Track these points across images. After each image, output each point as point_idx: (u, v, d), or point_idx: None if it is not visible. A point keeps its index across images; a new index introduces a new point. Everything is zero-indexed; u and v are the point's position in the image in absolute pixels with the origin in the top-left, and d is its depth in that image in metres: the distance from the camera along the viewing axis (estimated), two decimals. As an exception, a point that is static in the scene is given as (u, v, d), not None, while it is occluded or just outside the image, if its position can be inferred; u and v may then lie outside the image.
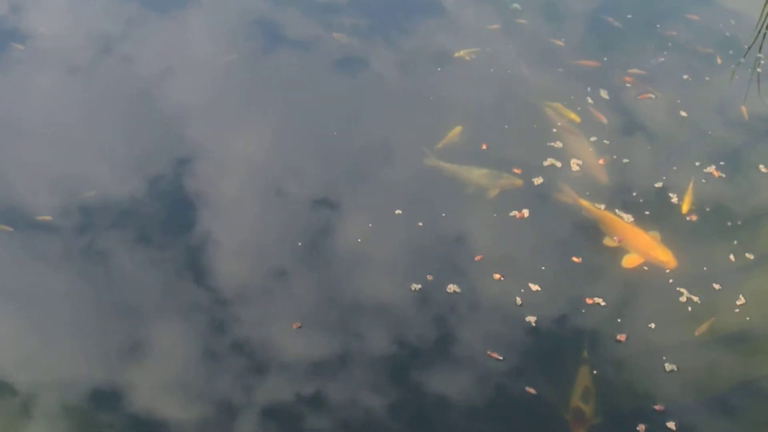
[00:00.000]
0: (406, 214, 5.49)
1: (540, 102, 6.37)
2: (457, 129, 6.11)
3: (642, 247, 5.34)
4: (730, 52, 7.06)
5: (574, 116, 6.27)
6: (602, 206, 5.62)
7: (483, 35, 7.03)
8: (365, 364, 4.74)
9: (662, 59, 6.92)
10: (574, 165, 5.89)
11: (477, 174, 5.77)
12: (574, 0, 7.54)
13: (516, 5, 7.36)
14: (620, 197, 5.72)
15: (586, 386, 4.64)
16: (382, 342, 4.84)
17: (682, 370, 4.77)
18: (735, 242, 5.47)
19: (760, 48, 7.07)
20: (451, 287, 5.09)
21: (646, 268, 5.28)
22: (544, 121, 6.25)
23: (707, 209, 5.66)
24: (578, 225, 5.55)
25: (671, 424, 4.54)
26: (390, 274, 5.19)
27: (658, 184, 5.81)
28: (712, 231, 5.57)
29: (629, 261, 5.30)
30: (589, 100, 6.43)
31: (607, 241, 5.41)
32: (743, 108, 6.51)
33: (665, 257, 5.26)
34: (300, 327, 4.87)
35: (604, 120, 6.24)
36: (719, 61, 6.93)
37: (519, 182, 5.72)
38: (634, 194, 5.73)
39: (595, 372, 4.72)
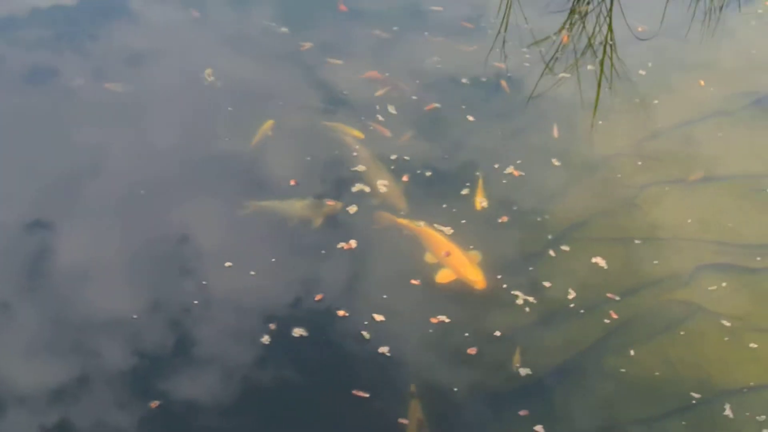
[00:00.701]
0: (237, 265, 5.36)
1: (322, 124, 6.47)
2: (269, 122, 6.26)
3: (456, 264, 5.47)
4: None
5: (357, 133, 6.36)
6: (421, 223, 5.75)
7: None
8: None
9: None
10: (381, 187, 5.99)
11: (299, 206, 5.75)
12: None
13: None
14: (433, 210, 5.87)
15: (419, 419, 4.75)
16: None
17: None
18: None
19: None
20: (297, 331, 5.05)
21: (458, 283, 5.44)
22: (341, 146, 6.30)
23: (513, 207, 5.95)
24: (404, 245, 5.64)
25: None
26: (236, 331, 5.07)
27: (464, 192, 6.03)
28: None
29: (442, 276, 5.44)
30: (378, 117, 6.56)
31: (429, 258, 5.55)
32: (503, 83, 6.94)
33: (475, 276, 5.41)
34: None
35: (388, 134, 6.37)
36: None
37: (340, 205, 5.76)
38: (444, 206, 5.92)
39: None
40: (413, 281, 5.42)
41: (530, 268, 5.54)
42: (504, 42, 7.41)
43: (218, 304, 5.19)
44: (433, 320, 5.21)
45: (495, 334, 5.17)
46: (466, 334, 5.16)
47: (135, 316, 5.06)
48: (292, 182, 5.98)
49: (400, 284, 5.39)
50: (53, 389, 4.68)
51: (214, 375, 4.85)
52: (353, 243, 5.57)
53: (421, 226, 5.72)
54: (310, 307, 5.23)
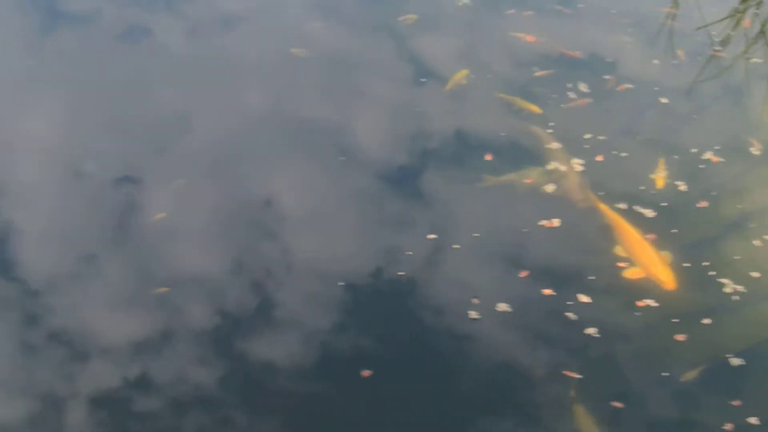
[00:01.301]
0: (441, 238, 5.37)
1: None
2: (463, 72, 6.29)
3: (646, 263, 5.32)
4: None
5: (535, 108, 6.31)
6: (621, 205, 5.65)
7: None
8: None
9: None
10: (577, 166, 5.92)
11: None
12: None
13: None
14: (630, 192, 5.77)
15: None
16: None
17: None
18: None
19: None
20: (502, 306, 5.04)
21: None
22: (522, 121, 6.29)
23: (712, 193, 5.81)
24: (598, 232, 5.57)
25: None
26: (444, 305, 5.10)
27: (660, 175, 5.92)
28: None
29: (631, 273, 5.30)
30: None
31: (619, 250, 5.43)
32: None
33: (665, 277, 5.25)
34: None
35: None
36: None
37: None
38: (642, 188, 5.82)
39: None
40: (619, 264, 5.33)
41: (735, 257, 5.39)
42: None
43: (423, 277, 5.20)
44: (640, 303, 5.10)
45: (703, 321, 5.04)
46: (674, 320, 5.05)
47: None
48: (488, 157, 5.93)
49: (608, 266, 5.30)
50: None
51: (422, 347, 4.89)
52: (555, 222, 5.50)
53: (617, 215, 5.58)
54: (515, 283, 5.18)
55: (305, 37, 6.90)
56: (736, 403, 4.65)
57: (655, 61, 6.93)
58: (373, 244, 5.36)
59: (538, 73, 6.66)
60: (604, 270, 5.28)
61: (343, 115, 6.21)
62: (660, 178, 5.81)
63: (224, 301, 5.00)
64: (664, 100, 6.51)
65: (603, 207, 5.62)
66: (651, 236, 5.45)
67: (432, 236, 5.40)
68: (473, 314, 4.99)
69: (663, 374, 4.76)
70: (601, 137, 6.14)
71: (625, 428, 4.55)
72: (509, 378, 4.74)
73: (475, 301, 5.05)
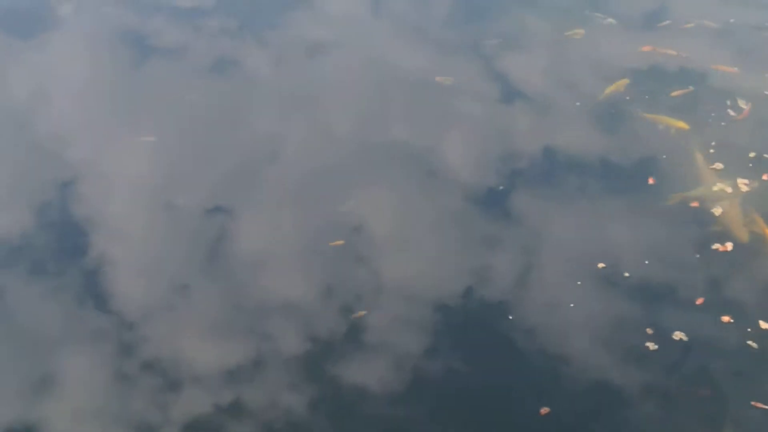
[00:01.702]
0: (609, 266, 5.24)
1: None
2: (624, 81, 6.24)
3: None
4: None
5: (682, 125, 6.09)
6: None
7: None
8: None
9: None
10: (742, 186, 5.70)
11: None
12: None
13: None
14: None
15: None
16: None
17: None
18: None
19: None
20: (678, 335, 4.86)
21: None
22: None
23: None
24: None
25: None
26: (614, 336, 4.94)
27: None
28: None
29: None
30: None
31: None
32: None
33: None
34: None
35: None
36: None
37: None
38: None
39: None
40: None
41: None
42: None
43: (594, 308, 5.07)
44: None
45: None
46: None
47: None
48: (651, 180, 5.77)
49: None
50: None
51: (588, 378, 4.74)
52: (729, 246, 5.30)
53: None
54: (691, 311, 5.01)
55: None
56: None
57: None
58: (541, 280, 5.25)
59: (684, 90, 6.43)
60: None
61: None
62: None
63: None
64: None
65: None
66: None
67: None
68: (650, 345, 4.81)
69: None
70: (766, 155, 5.87)
71: None
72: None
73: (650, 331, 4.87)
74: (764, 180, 5.73)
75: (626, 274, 5.21)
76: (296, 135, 6.19)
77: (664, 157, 5.95)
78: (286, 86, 6.65)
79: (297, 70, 6.82)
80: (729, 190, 5.67)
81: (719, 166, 5.84)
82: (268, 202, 5.73)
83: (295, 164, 5.96)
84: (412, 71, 6.68)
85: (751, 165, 5.85)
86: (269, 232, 5.50)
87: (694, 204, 5.58)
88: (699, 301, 5.04)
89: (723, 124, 6.17)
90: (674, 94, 6.35)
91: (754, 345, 4.80)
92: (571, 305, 5.06)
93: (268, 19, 7.35)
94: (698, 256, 5.29)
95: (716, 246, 5.31)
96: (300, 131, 6.22)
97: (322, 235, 5.47)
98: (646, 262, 5.27)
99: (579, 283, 5.18)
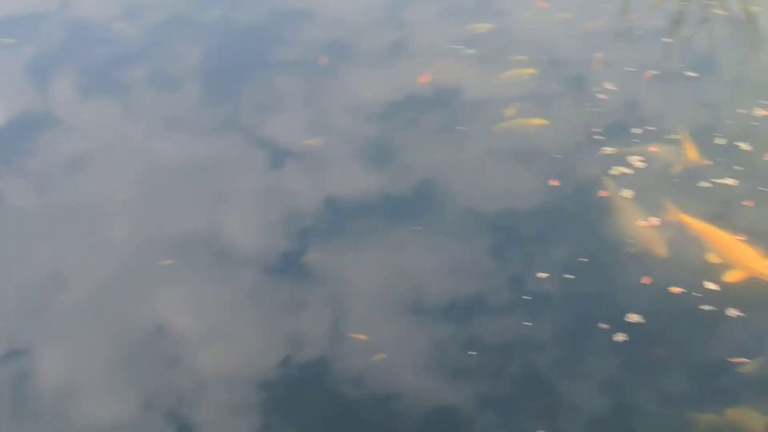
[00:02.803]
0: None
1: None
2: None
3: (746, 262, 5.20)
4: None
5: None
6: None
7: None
8: None
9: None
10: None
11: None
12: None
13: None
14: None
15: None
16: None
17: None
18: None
19: None
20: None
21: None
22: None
23: None
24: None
25: None
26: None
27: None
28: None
29: (732, 276, 5.17)
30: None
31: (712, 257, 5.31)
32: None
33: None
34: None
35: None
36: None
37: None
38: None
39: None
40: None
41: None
42: None
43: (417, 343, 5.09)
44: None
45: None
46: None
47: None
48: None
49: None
50: None
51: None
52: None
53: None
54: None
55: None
56: None
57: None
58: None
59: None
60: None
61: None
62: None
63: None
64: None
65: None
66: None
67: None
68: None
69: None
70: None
71: None
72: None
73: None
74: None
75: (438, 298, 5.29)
76: (74, 253, 5.92)
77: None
78: (53, 207, 6.36)
79: (60, 189, 6.52)
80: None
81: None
82: (64, 328, 5.45)
83: (81, 285, 5.69)
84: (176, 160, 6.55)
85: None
86: (73, 357, 5.25)
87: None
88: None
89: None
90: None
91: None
92: (390, 350, 5.07)
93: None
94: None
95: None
96: (77, 248, 5.96)
97: (130, 345, 5.28)
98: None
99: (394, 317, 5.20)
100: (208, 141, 6.71)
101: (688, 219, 5.47)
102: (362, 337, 5.12)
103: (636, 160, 5.96)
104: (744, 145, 5.99)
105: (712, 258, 5.27)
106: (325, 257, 5.60)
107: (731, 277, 5.12)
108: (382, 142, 6.48)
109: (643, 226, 5.49)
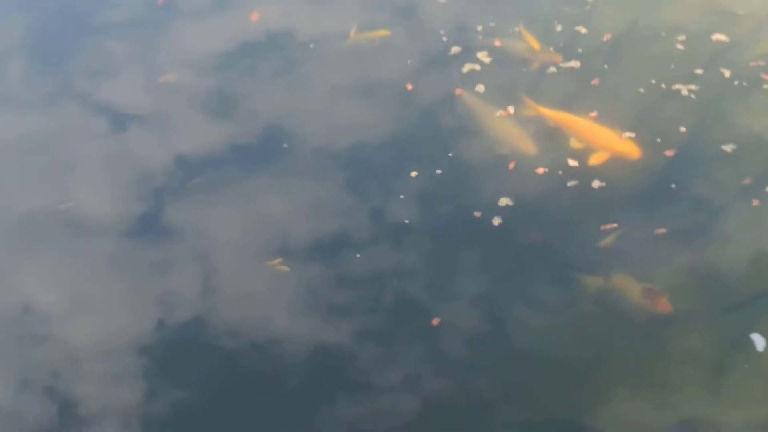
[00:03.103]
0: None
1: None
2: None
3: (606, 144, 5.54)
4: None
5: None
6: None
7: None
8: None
9: None
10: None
11: None
12: None
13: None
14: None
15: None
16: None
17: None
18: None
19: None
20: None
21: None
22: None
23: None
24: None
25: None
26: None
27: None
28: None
29: (596, 159, 5.49)
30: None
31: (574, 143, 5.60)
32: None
33: (629, 149, 5.50)
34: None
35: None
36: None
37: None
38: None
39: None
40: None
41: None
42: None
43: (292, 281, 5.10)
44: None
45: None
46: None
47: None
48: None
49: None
50: None
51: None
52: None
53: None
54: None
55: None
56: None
57: None
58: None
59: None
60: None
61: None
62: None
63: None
64: None
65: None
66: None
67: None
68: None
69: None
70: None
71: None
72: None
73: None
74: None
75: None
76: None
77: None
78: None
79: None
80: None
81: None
82: None
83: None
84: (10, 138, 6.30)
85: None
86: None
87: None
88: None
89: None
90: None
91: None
92: (263, 297, 5.12)
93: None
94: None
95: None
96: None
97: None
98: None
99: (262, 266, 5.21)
100: (43, 114, 6.44)
101: (544, 110, 5.76)
102: (234, 288, 5.11)
103: (483, 56, 6.17)
104: (582, 29, 6.28)
105: (574, 144, 5.59)
106: (184, 214, 5.52)
107: (595, 159, 5.48)
108: (223, 91, 6.40)
109: (500, 117, 5.74)
